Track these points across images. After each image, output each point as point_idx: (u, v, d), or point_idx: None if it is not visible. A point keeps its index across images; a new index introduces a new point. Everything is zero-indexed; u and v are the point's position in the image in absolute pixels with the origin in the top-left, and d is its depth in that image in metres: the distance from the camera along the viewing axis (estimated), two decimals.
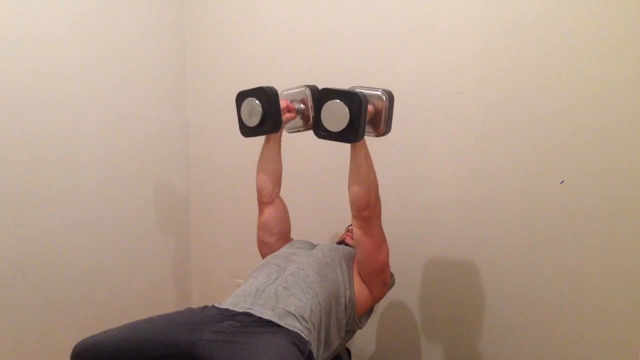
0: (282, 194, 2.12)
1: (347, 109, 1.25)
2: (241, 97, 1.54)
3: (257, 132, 1.53)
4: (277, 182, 1.66)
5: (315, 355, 1.23)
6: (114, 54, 2.01)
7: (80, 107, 1.87)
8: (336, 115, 1.27)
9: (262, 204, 1.66)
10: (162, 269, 2.26)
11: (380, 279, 1.48)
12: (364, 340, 1.93)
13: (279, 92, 1.53)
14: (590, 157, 1.56)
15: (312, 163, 2.05)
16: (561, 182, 1.60)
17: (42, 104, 1.74)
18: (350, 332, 1.48)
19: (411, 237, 1.86)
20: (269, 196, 1.64)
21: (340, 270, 1.45)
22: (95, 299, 1.93)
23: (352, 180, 1.40)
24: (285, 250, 1.57)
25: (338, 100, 1.26)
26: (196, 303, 1.40)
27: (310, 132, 1.96)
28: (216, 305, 1.33)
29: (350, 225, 1.72)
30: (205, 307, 1.34)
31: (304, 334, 1.21)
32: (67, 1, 1.82)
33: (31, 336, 1.72)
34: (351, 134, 1.28)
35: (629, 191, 1.51)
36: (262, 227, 1.67)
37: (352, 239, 1.63)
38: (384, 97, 1.36)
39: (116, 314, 1.97)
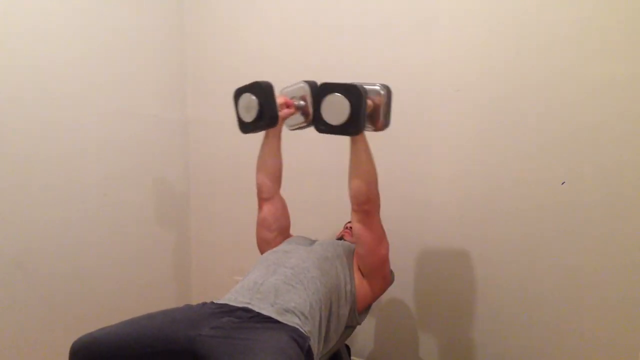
0: (282, 191, 2.12)
1: (347, 102, 1.25)
2: (238, 93, 1.53)
3: (255, 127, 1.51)
4: (277, 179, 1.66)
5: (314, 352, 1.22)
6: (114, 52, 2.01)
7: (79, 105, 1.87)
8: (336, 108, 1.27)
9: (261, 200, 1.66)
10: (161, 267, 2.26)
11: (380, 273, 1.49)
12: (363, 337, 1.92)
13: (281, 89, 1.53)
14: (590, 155, 1.56)
15: (313, 159, 2.05)
16: (562, 183, 1.60)
17: (41, 101, 1.73)
18: (349, 328, 1.48)
19: (411, 235, 1.85)
20: (268, 192, 1.64)
21: (341, 264, 1.45)
22: (95, 296, 1.93)
23: (352, 174, 1.41)
24: (284, 246, 1.56)
25: (338, 94, 1.27)
26: (196, 300, 1.40)
27: (311, 128, 1.98)
28: (214, 301, 1.33)
29: (349, 222, 1.72)
30: (204, 303, 1.33)
31: (303, 329, 1.20)
32: None
33: (30, 332, 1.72)
34: (352, 127, 1.28)
35: (629, 190, 1.51)
36: (261, 224, 1.67)
37: (352, 235, 1.63)
38: (382, 92, 1.37)
39: (116, 311, 1.97)
